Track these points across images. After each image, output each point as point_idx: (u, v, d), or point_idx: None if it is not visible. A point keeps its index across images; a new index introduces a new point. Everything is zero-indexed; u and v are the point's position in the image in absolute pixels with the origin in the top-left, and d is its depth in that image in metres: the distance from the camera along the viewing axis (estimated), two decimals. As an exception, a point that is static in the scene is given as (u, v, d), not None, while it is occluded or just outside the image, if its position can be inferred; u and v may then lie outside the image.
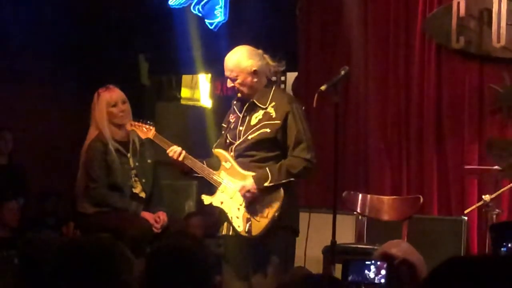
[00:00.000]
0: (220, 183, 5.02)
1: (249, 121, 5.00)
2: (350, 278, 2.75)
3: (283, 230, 4.96)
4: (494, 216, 5.63)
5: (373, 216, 6.04)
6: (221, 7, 8.02)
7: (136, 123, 5.36)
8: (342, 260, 2.91)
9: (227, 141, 5.08)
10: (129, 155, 5.55)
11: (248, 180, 4.91)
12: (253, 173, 4.91)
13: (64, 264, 2.46)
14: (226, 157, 5.04)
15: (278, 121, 4.92)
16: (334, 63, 7.05)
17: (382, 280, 2.72)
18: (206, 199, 5.06)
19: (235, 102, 5.15)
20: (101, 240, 2.52)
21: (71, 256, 2.48)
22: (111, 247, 2.48)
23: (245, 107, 5.04)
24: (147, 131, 5.29)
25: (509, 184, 5.67)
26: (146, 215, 5.46)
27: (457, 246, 6.30)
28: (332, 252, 4.97)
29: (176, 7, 8.19)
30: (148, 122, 5.36)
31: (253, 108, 5.02)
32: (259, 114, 4.99)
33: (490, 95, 6.80)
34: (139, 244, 5.01)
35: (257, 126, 4.95)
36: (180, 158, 5.05)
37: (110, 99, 5.53)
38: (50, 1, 8.42)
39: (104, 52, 8.80)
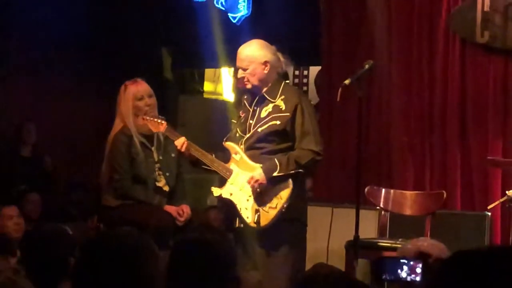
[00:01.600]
0: (229, 175, 5.09)
1: (259, 114, 5.08)
2: (383, 276, 2.74)
3: (291, 222, 5.03)
4: (518, 212, 5.60)
5: (396, 211, 6.02)
6: (244, 1, 8.03)
7: (148, 117, 5.37)
8: (372, 257, 2.89)
9: (237, 134, 5.15)
10: (153, 148, 5.56)
11: (257, 170, 4.97)
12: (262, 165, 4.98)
13: (89, 258, 2.47)
14: (236, 149, 5.10)
15: (288, 113, 5.00)
16: (357, 57, 7.03)
17: (417, 279, 2.70)
18: (216, 191, 5.13)
19: (245, 97, 5.23)
20: (126, 233, 2.53)
21: (96, 249, 2.48)
22: (136, 240, 2.49)
23: (255, 101, 5.12)
24: (158, 125, 5.31)
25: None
26: (169, 208, 5.47)
27: (480, 241, 6.27)
28: (355, 246, 4.97)
29: (200, 0, 8.20)
30: (160, 116, 5.39)
31: (262, 102, 5.10)
32: (268, 107, 5.07)
33: (514, 90, 6.76)
34: (162, 237, 5.02)
35: (267, 119, 5.03)
36: (183, 149, 5.13)
37: (137, 92, 5.53)
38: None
39: (127, 46, 8.83)
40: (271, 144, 5.03)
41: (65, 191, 8.33)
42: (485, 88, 6.86)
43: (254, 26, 7.91)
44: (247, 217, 5.01)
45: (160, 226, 5.23)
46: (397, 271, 2.72)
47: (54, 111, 8.52)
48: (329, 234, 5.35)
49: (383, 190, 6.06)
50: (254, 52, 5.09)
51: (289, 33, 7.67)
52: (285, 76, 7.76)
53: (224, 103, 9.83)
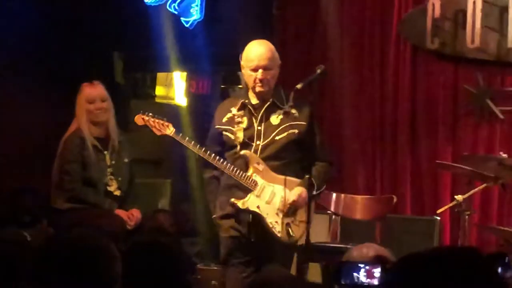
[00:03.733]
0: (255, 186, 4.82)
1: (269, 120, 4.86)
2: (342, 281, 2.74)
3: None
4: (466, 217, 5.66)
5: (347, 215, 6.06)
6: (197, 5, 8.00)
7: (150, 118, 5.11)
8: (323, 261, 2.89)
9: (242, 140, 4.84)
10: (106, 152, 5.52)
11: (299, 188, 4.80)
12: (287, 177, 4.80)
13: (46, 261, 2.43)
14: (257, 159, 4.81)
15: (304, 122, 4.84)
16: (310, 62, 7.06)
17: (375, 282, 2.71)
18: (242, 204, 4.80)
19: (246, 101, 4.93)
20: (85, 235, 2.51)
21: (55, 254, 2.45)
22: (96, 242, 2.46)
23: (264, 107, 4.88)
24: (163, 127, 5.06)
25: (482, 184, 5.71)
26: (120, 212, 5.45)
27: (430, 245, 6.33)
28: (306, 250, 4.97)
29: (152, 4, 8.16)
30: (164, 118, 5.14)
31: (271, 107, 4.88)
32: (278, 114, 4.87)
33: (464, 96, 6.85)
34: (113, 240, 4.97)
35: (283, 127, 4.84)
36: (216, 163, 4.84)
37: (88, 95, 5.50)
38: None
39: (78, 50, 8.75)
40: (290, 154, 4.84)
41: (15, 196, 8.20)
42: (435, 94, 6.95)
43: (207, 31, 7.89)
44: (278, 232, 4.81)
45: (111, 230, 5.19)
46: (354, 275, 2.72)
47: (2, 114, 8.40)
48: (281, 238, 5.35)
49: (334, 194, 6.09)
50: (275, 53, 4.93)
51: (242, 37, 7.66)
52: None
53: (176, 107, 9.80)
